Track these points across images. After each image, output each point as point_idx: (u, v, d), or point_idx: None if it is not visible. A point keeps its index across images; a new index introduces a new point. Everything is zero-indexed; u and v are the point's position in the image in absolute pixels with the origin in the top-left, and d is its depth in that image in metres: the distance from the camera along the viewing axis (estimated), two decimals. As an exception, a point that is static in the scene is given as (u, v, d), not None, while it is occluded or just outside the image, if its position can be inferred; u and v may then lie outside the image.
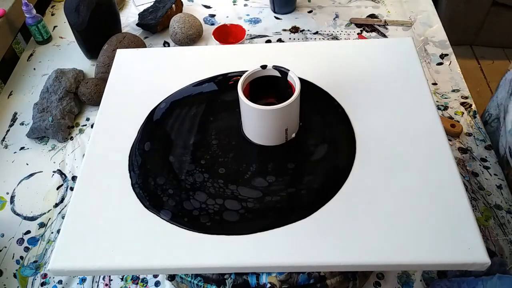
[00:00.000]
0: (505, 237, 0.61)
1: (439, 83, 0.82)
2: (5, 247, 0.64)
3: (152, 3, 1.00)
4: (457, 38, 1.64)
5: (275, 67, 0.50)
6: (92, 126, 0.79)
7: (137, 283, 0.59)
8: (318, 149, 0.50)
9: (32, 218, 0.67)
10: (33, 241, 0.65)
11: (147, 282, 0.59)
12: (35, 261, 0.63)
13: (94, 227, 0.45)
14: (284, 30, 0.95)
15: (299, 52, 0.62)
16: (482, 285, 0.48)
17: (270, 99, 0.52)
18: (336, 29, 0.95)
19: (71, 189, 0.70)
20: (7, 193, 0.71)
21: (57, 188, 0.71)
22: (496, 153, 0.70)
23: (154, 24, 0.94)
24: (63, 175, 0.72)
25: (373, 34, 0.93)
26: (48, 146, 0.77)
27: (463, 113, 0.77)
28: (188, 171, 0.49)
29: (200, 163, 0.50)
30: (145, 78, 0.61)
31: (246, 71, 0.49)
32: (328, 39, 0.93)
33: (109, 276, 0.60)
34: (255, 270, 0.45)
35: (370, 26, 0.95)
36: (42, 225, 0.66)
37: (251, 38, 0.94)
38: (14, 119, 0.82)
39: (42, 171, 0.73)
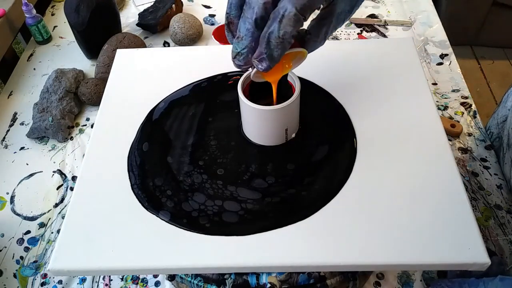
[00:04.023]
0: (505, 237, 0.61)
1: (439, 83, 0.82)
2: (5, 247, 0.64)
3: (152, 3, 1.00)
4: (457, 38, 1.64)
5: (275, 67, 0.49)
6: (92, 126, 0.79)
7: (137, 283, 0.59)
8: (318, 150, 0.50)
9: (32, 218, 0.67)
10: (33, 241, 0.65)
11: (147, 282, 0.59)
12: (35, 261, 0.63)
13: (94, 227, 0.45)
14: (284, 30, 0.95)
15: (299, 52, 0.61)
16: (483, 286, 0.48)
17: (270, 99, 0.52)
18: (336, 29, 0.95)
19: (71, 189, 0.70)
20: (7, 193, 0.71)
21: (57, 188, 0.71)
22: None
23: (154, 24, 0.94)
24: (63, 175, 0.72)
25: (373, 34, 0.93)
26: (48, 146, 0.77)
27: (463, 113, 0.77)
28: (187, 172, 0.49)
29: (198, 164, 0.50)
30: (145, 78, 0.61)
31: (246, 71, 0.49)
32: (328, 39, 0.92)
33: (109, 276, 0.60)
34: (255, 270, 0.45)
35: (370, 26, 0.95)
36: (42, 225, 0.66)
37: (251, 38, 0.94)
38: (14, 119, 0.82)
39: (42, 171, 0.73)
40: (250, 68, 0.41)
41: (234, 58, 0.40)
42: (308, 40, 0.41)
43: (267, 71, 0.39)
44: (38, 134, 0.77)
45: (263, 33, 0.37)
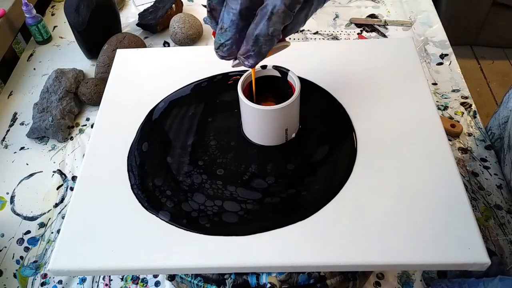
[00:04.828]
0: (505, 237, 0.61)
1: (439, 83, 0.82)
2: (5, 247, 0.64)
3: (152, 3, 1.00)
4: (457, 38, 1.64)
5: (275, 67, 0.50)
6: (92, 126, 0.79)
7: (137, 283, 0.59)
8: (318, 150, 0.50)
9: (32, 218, 0.67)
10: (33, 241, 0.65)
11: (147, 282, 0.59)
12: (35, 261, 0.63)
13: (94, 227, 0.45)
14: (284, 30, 0.95)
15: (299, 52, 0.62)
16: (483, 286, 0.48)
17: (270, 99, 0.52)
18: (336, 29, 0.95)
19: (71, 189, 0.70)
20: (7, 193, 0.71)
21: (57, 188, 0.71)
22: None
23: (154, 24, 0.94)
24: (63, 175, 0.72)
25: (373, 34, 0.93)
26: (48, 146, 0.77)
27: (463, 113, 0.77)
28: (186, 173, 0.49)
29: (198, 164, 0.50)
30: (145, 78, 0.61)
31: (246, 71, 0.49)
32: (328, 39, 0.93)
33: (109, 276, 0.60)
34: (255, 270, 0.45)
35: (370, 26, 0.95)
36: (42, 225, 0.66)
37: (251, 38, 0.93)
38: (14, 119, 0.82)
39: (42, 171, 0.73)
40: (232, 60, 0.40)
41: (217, 49, 0.39)
42: (287, 25, 0.39)
43: (253, 67, 0.39)
44: (38, 134, 0.77)
45: (250, 30, 0.36)
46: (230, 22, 0.36)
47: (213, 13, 0.39)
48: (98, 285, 0.60)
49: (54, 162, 0.74)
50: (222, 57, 0.39)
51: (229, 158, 0.50)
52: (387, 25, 0.95)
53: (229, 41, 0.37)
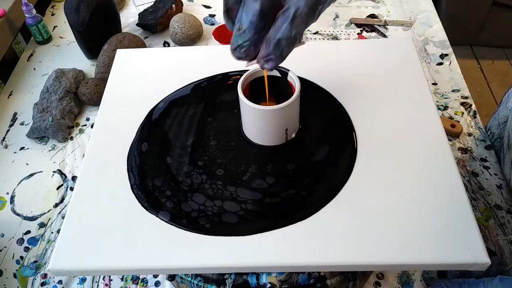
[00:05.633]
0: (505, 237, 0.61)
1: (439, 83, 0.82)
2: (5, 247, 0.64)
3: (152, 3, 1.00)
4: (457, 38, 1.64)
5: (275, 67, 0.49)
6: (92, 126, 0.79)
7: (137, 283, 0.59)
8: (318, 150, 0.50)
9: (32, 218, 0.67)
10: (33, 241, 0.65)
11: (147, 282, 0.59)
12: (35, 261, 0.63)
13: (94, 227, 0.45)
14: (284, 30, 0.95)
15: (299, 52, 0.61)
16: (483, 286, 0.48)
17: (270, 99, 0.52)
18: (336, 29, 0.95)
19: (71, 189, 0.70)
20: (7, 193, 0.71)
21: (57, 188, 0.71)
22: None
23: (154, 24, 0.94)
24: (63, 175, 0.72)
25: (373, 34, 0.93)
26: (48, 146, 0.77)
27: (463, 113, 0.77)
28: (186, 173, 0.49)
29: (198, 165, 0.50)
30: (145, 78, 0.61)
31: (246, 71, 0.49)
32: (328, 39, 0.93)
33: (109, 276, 0.60)
34: (255, 270, 0.45)
35: (370, 26, 0.95)
36: (42, 225, 0.66)
37: (251, 38, 0.93)
38: (14, 119, 0.82)
39: (42, 171, 0.73)
40: (246, 61, 0.39)
41: (234, 50, 0.37)
42: None
43: (272, 70, 0.37)
44: (38, 134, 0.77)
45: (271, 33, 0.35)
46: (249, 23, 0.35)
47: (230, 13, 0.37)
48: (98, 285, 0.60)
49: (54, 162, 0.74)
50: (239, 58, 0.38)
51: (229, 158, 0.50)
52: (387, 25, 0.95)
53: (247, 42, 0.36)
